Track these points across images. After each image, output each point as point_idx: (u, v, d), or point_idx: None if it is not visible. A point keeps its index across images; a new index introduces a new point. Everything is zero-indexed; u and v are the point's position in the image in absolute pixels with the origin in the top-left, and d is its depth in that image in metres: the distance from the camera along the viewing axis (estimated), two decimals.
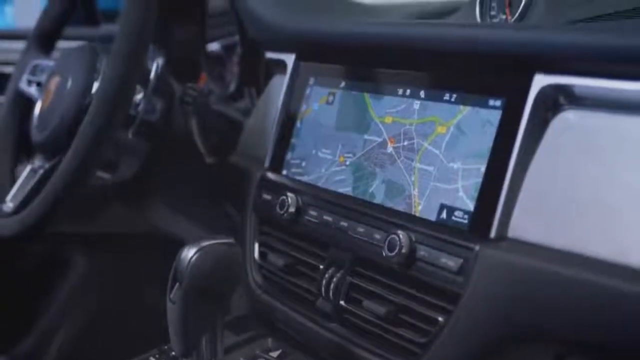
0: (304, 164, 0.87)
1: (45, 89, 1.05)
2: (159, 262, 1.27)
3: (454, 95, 0.71)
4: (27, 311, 1.52)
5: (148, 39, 0.89)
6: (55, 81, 1.02)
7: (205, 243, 0.69)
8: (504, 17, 0.84)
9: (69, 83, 0.99)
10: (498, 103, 0.67)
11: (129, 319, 1.48)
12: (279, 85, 0.95)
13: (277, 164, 0.90)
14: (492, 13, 0.85)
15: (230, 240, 0.70)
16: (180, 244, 1.14)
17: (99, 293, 1.54)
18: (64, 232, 1.32)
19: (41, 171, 1.01)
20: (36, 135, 1.03)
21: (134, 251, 1.48)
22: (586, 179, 0.60)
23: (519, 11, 0.81)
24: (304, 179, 0.86)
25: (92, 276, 1.54)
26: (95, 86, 0.98)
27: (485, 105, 0.68)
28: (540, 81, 0.63)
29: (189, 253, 0.69)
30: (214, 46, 1.26)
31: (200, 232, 1.10)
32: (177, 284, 0.69)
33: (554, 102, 0.63)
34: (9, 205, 1.02)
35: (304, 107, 0.89)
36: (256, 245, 0.90)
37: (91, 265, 1.54)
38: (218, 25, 1.24)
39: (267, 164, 0.91)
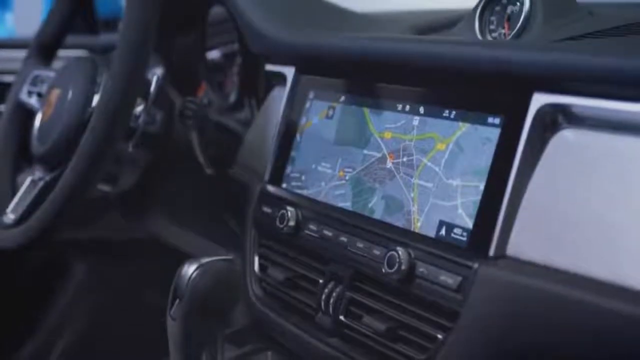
0: (303, 177, 0.87)
1: (46, 101, 1.05)
2: (158, 269, 1.27)
3: (453, 112, 0.71)
4: (28, 317, 1.52)
5: (148, 52, 0.89)
6: (55, 93, 1.03)
7: (205, 260, 0.70)
8: (503, 31, 0.84)
9: (69, 96, 0.99)
10: (497, 121, 0.67)
11: (129, 325, 1.48)
12: (279, 97, 0.95)
13: (277, 177, 0.90)
14: (492, 27, 0.85)
15: (230, 257, 0.71)
16: (181, 254, 1.15)
17: (99, 299, 1.55)
18: (64, 238, 1.33)
19: (41, 183, 1.01)
20: (37, 147, 1.04)
21: (133, 257, 1.48)
22: (585, 198, 0.60)
23: (518, 26, 0.81)
24: (304, 192, 0.86)
25: (92, 282, 1.55)
26: (96, 99, 0.98)
27: (484, 123, 0.68)
28: (538, 100, 0.63)
29: (189, 270, 0.70)
30: (213, 54, 1.27)
31: (201, 243, 1.10)
32: (177, 300, 0.70)
33: (553, 121, 0.63)
34: (10, 217, 1.02)
35: (303, 121, 0.89)
36: (256, 258, 0.90)
37: (91, 272, 1.55)
38: (218, 33, 1.24)
39: (267, 177, 0.91)
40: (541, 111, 0.63)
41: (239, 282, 0.73)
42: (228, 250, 1.02)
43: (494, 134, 0.67)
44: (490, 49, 0.69)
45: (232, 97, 1.14)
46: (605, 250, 0.58)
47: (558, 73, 0.61)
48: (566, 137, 0.63)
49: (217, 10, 1.22)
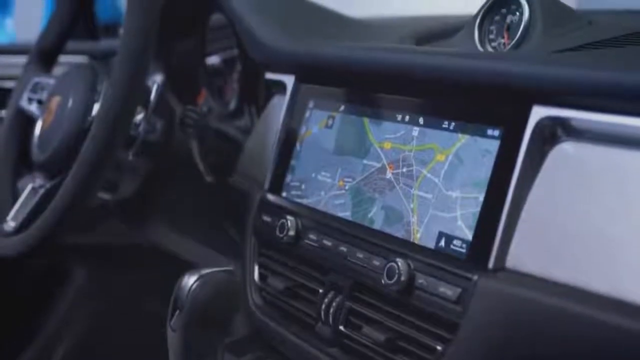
0: (303, 186, 0.87)
1: (46, 108, 1.05)
2: (159, 275, 1.27)
3: (453, 124, 0.72)
4: (27, 323, 1.52)
5: (148, 60, 0.89)
6: (55, 101, 1.03)
7: (205, 271, 0.70)
8: (502, 40, 0.84)
9: (70, 104, 1.00)
10: (496, 133, 0.67)
11: (129, 332, 1.48)
12: (279, 106, 0.95)
13: (277, 185, 0.90)
14: (491, 37, 0.86)
15: (230, 268, 0.71)
16: (181, 261, 1.15)
17: (99, 306, 1.55)
18: (64, 244, 1.33)
19: (42, 190, 1.02)
20: (37, 155, 1.04)
21: (134, 264, 1.48)
22: (584, 211, 0.60)
23: (517, 35, 0.81)
24: (304, 202, 0.86)
25: (92, 289, 1.55)
26: (96, 107, 0.98)
27: (483, 135, 0.68)
28: (538, 113, 0.64)
29: (189, 281, 0.70)
30: (213, 59, 1.27)
31: (201, 251, 1.10)
32: (177, 312, 0.70)
33: (552, 134, 0.63)
34: (10, 224, 1.03)
35: (303, 130, 0.89)
36: (256, 267, 0.90)
37: (91, 278, 1.55)
38: (218, 39, 1.24)
39: (266, 185, 0.92)
40: (540, 124, 0.63)
41: (239, 293, 0.73)
42: (228, 258, 1.02)
43: (494, 145, 0.67)
44: (490, 61, 0.69)
45: (232, 104, 1.14)
46: (605, 264, 0.58)
47: (557, 87, 0.62)
48: (565, 150, 0.63)
49: (216, 16, 1.22)
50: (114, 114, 0.86)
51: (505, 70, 0.66)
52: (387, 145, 0.78)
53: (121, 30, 0.92)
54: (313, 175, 0.86)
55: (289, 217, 0.85)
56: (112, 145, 0.87)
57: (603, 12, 1.06)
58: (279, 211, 0.87)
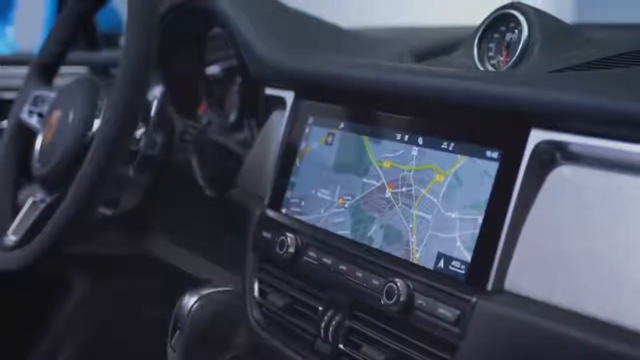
0: (303, 203, 0.87)
1: (47, 122, 1.06)
2: (159, 283, 1.28)
3: (452, 144, 0.72)
4: (29, 333, 1.52)
5: (149, 80, 0.89)
6: (56, 115, 1.03)
7: (205, 292, 0.70)
8: (501, 58, 0.85)
9: (70, 119, 1.00)
10: (495, 155, 0.67)
11: (130, 340, 1.48)
12: (279, 121, 0.96)
13: (277, 202, 0.90)
14: (490, 54, 0.86)
15: (229, 288, 0.71)
16: (181, 270, 1.15)
17: (100, 314, 1.55)
18: (64, 253, 1.33)
19: (43, 205, 1.02)
20: (38, 169, 1.04)
21: (134, 272, 1.49)
22: (583, 235, 0.60)
23: (516, 54, 0.81)
24: (303, 218, 0.86)
25: (93, 297, 1.55)
26: (96, 123, 0.98)
27: (482, 156, 0.69)
28: (536, 136, 0.64)
29: (189, 302, 0.70)
30: (213, 69, 1.27)
31: (201, 264, 1.10)
32: (178, 331, 0.70)
33: (551, 157, 0.64)
34: (11, 238, 1.03)
35: (303, 146, 0.90)
36: (256, 283, 0.90)
37: (92, 286, 1.55)
38: (217, 48, 1.25)
39: (266, 201, 0.92)
40: (538, 147, 0.64)
41: (238, 314, 0.74)
42: (227, 271, 1.03)
43: (492, 167, 0.67)
44: (489, 83, 0.69)
45: (232, 117, 1.14)
46: (603, 289, 0.58)
47: (555, 112, 0.62)
48: (564, 173, 0.63)
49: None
50: (114, 134, 0.86)
51: (505, 94, 0.66)
52: (387, 164, 0.78)
53: (121, 41, 0.92)
54: (313, 192, 0.86)
55: (288, 234, 0.85)
56: (112, 164, 0.87)
57: (601, 27, 1.06)
58: (279, 228, 0.88)
